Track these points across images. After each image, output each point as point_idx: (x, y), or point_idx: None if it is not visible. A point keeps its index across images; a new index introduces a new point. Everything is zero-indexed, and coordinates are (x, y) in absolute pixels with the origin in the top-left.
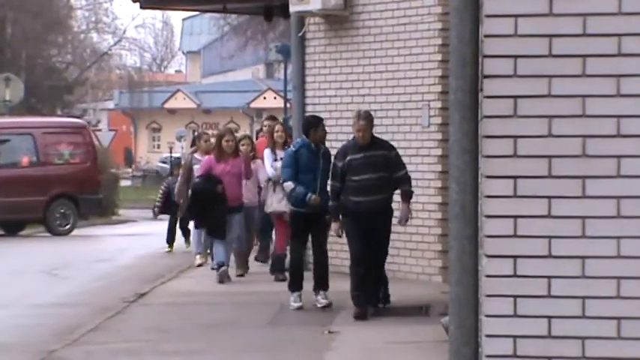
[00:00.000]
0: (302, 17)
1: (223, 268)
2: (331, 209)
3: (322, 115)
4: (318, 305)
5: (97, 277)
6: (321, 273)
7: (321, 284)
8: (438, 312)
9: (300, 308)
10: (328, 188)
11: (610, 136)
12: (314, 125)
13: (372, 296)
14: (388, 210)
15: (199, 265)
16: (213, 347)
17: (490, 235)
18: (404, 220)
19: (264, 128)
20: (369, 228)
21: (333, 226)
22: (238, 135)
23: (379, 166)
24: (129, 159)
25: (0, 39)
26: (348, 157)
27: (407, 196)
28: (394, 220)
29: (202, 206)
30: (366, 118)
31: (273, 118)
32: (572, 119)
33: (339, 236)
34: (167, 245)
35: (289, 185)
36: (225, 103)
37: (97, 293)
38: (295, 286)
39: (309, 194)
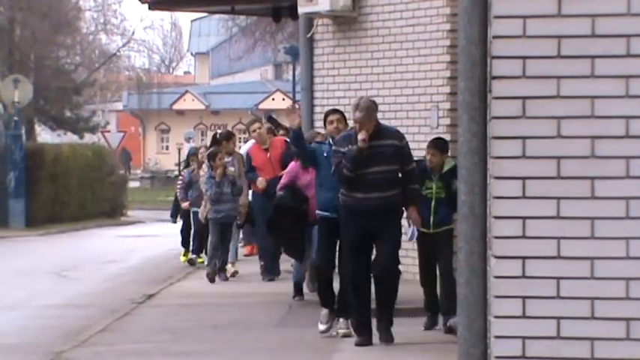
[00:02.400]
0: (310, 18)
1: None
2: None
3: None
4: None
5: (105, 279)
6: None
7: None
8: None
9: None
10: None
11: (619, 137)
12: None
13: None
14: (398, 210)
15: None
16: (222, 348)
17: (499, 236)
18: (415, 229)
19: (258, 130)
20: (373, 233)
21: (360, 139)
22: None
23: (388, 158)
24: (125, 159)
25: (8, 40)
26: (352, 146)
27: (415, 197)
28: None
29: (284, 224)
30: (365, 110)
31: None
32: (581, 120)
33: (365, 143)
34: (195, 255)
35: None
36: (234, 105)
37: (106, 294)
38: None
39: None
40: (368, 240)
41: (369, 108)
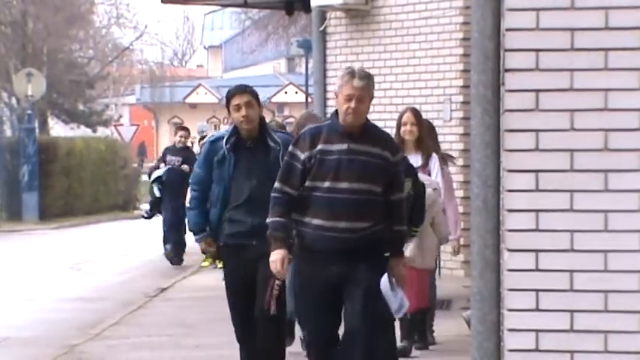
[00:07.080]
0: (323, 11)
1: None
2: (271, 230)
3: None
4: None
5: (118, 272)
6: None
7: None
8: (460, 306)
9: None
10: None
11: (632, 130)
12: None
13: None
14: (380, 250)
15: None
16: (234, 341)
17: (512, 230)
18: (403, 298)
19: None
20: (342, 284)
21: (273, 256)
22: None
23: (369, 173)
24: (141, 153)
25: (21, 34)
26: (320, 147)
27: (400, 243)
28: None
29: None
30: (367, 78)
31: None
32: (594, 113)
33: (279, 283)
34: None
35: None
36: None
37: (119, 288)
38: None
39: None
40: (333, 293)
41: (370, 82)
